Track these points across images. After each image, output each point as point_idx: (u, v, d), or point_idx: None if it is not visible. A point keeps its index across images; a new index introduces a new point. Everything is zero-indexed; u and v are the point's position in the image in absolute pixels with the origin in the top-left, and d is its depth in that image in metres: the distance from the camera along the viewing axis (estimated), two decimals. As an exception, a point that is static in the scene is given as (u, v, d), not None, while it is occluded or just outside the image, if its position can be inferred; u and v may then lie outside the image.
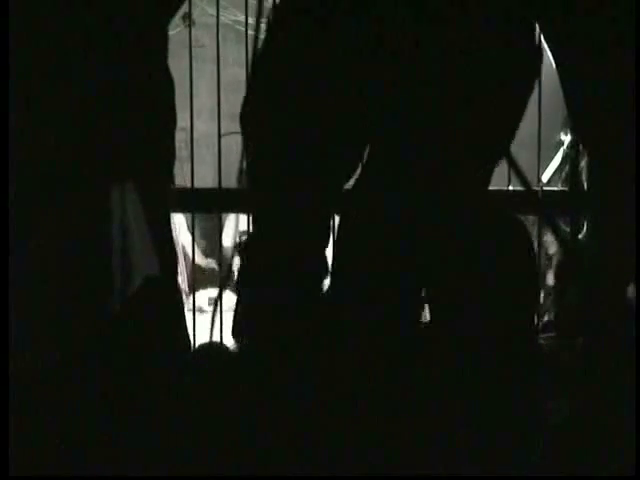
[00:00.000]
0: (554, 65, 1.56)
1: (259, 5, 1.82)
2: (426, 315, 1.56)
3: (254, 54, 1.86)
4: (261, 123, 1.62)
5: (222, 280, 2.69)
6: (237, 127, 1.72)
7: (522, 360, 1.48)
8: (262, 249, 1.64)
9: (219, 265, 3.77)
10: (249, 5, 2.48)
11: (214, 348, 1.91)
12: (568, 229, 2.16)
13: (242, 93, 1.77)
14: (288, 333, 1.56)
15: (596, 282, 1.53)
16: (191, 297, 2.57)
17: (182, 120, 2.04)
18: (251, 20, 2.17)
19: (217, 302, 2.35)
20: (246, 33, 2.50)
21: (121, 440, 1.58)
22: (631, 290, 1.61)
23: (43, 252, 1.66)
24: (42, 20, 1.66)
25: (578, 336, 1.61)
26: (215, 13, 2.61)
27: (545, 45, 1.59)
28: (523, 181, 1.79)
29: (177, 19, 2.82)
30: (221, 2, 2.65)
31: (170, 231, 1.80)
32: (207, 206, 2.59)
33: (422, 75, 1.49)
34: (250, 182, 1.68)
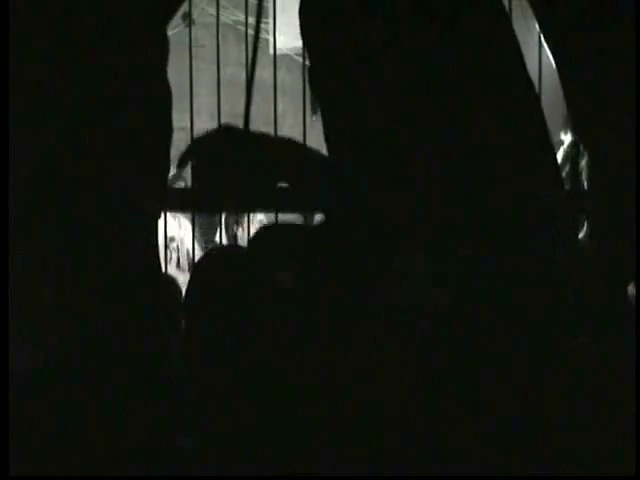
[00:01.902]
0: (554, 65, 1.56)
1: (259, 5, 1.82)
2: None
3: (254, 54, 1.86)
4: None
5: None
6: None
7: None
8: None
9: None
10: (249, 5, 2.48)
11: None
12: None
13: (242, 93, 1.77)
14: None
15: (596, 282, 1.53)
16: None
17: (182, 120, 2.04)
18: (251, 20, 2.17)
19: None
20: (246, 33, 2.50)
21: (121, 440, 1.58)
22: (631, 290, 1.61)
23: (43, 252, 1.67)
24: (40, 20, 1.66)
25: (578, 336, 1.61)
26: (215, 13, 2.61)
27: (545, 45, 1.59)
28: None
29: (177, 19, 2.82)
30: (221, 2, 2.66)
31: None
32: (207, 206, 2.59)
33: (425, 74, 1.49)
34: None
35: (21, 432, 1.51)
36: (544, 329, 1.48)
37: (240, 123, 1.74)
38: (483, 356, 1.47)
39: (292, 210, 2.41)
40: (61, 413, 1.60)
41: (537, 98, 1.56)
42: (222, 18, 2.51)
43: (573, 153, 2.56)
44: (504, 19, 1.53)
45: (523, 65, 1.52)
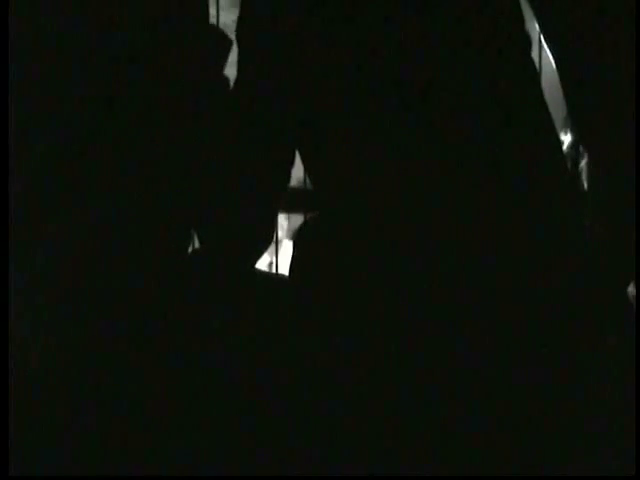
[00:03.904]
0: (554, 65, 1.56)
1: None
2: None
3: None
4: None
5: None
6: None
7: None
8: None
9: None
10: (249, 5, 2.46)
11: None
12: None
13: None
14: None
15: (596, 282, 1.53)
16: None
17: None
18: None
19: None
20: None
21: (121, 440, 1.58)
22: (631, 290, 1.61)
23: (44, 252, 1.66)
24: (43, 22, 1.66)
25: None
26: (215, 13, 2.61)
27: (545, 45, 1.59)
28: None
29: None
30: (221, 2, 2.65)
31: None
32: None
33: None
34: None
35: (21, 432, 1.51)
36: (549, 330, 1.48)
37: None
38: (487, 356, 1.47)
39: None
40: (61, 413, 1.59)
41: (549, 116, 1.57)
42: (222, 18, 2.51)
43: (573, 153, 2.56)
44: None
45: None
